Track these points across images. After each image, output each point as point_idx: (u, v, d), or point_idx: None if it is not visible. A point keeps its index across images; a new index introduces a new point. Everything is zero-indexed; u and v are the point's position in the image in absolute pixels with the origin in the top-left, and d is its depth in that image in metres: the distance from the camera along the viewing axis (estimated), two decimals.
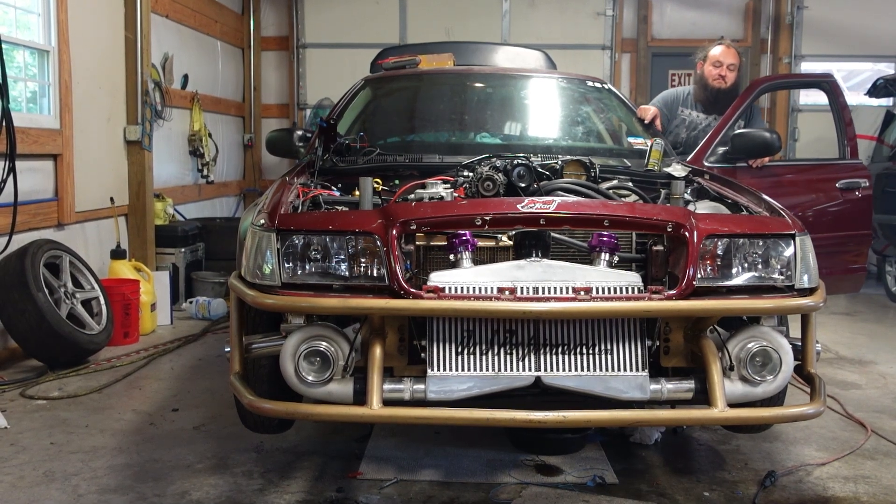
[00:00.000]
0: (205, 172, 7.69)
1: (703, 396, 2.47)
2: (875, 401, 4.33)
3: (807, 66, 9.22)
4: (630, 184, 3.44)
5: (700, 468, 3.29)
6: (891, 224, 7.20)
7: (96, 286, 5.02)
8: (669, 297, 2.41)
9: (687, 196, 3.45)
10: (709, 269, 2.51)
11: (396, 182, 3.46)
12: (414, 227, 2.48)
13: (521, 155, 3.41)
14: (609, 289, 2.46)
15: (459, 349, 2.44)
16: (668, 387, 2.50)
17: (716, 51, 4.96)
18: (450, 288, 2.45)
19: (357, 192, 3.40)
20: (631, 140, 4.08)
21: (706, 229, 2.50)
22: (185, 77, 7.36)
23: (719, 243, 2.53)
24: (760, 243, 2.57)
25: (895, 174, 7.31)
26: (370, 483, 3.09)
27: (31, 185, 4.89)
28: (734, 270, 2.54)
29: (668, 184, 3.57)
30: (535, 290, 2.45)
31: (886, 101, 8.39)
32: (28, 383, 4.33)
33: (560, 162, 3.34)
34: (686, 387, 2.50)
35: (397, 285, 2.40)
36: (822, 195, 4.49)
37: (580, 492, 3.02)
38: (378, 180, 3.30)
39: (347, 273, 2.49)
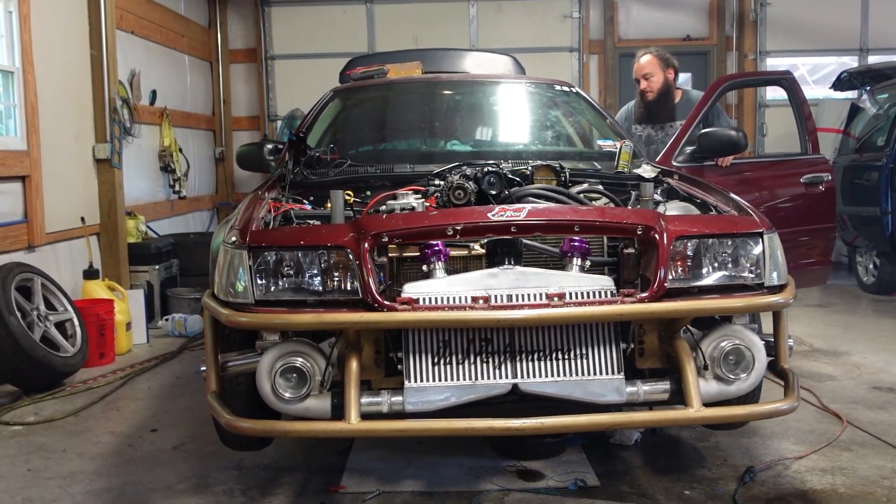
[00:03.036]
0: (177, 188, 7.65)
1: (678, 397, 2.50)
2: (850, 392, 4.39)
3: (772, 62, 9.33)
4: (600, 186, 3.46)
5: (680, 466, 3.32)
6: (860, 215, 7.30)
7: (69, 308, 4.97)
8: (642, 300, 2.43)
9: (657, 197, 3.49)
10: (680, 270, 2.54)
11: (368, 193, 3.46)
12: (386, 239, 2.48)
13: (492, 162, 3.43)
14: (582, 293, 2.48)
15: (436, 359, 2.45)
16: (644, 388, 2.52)
17: (636, 65, 5.10)
18: (424, 299, 2.46)
19: (329, 205, 3.43)
20: (600, 143, 4.11)
21: (676, 231, 2.53)
22: (154, 93, 7.32)
23: (689, 244, 2.56)
24: (729, 243, 2.60)
25: (862, 166, 7.41)
26: (353, 496, 3.08)
27: None
28: (705, 270, 2.57)
29: (639, 185, 3.62)
30: (509, 297, 2.47)
31: (851, 94, 8.51)
32: (2, 409, 4.28)
33: (530, 167, 3.35)
34: (662, 388, 2.53)
35: (371, 298, 2.40)
36: (786, 191, 4.56)
37: (562, 496, 3.03)
38: (349, 192, 3.29)
39: (321, 287, 2.49)
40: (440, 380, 2.44)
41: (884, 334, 5.80)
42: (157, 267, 6.41)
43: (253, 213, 2.88)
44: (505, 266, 2.53)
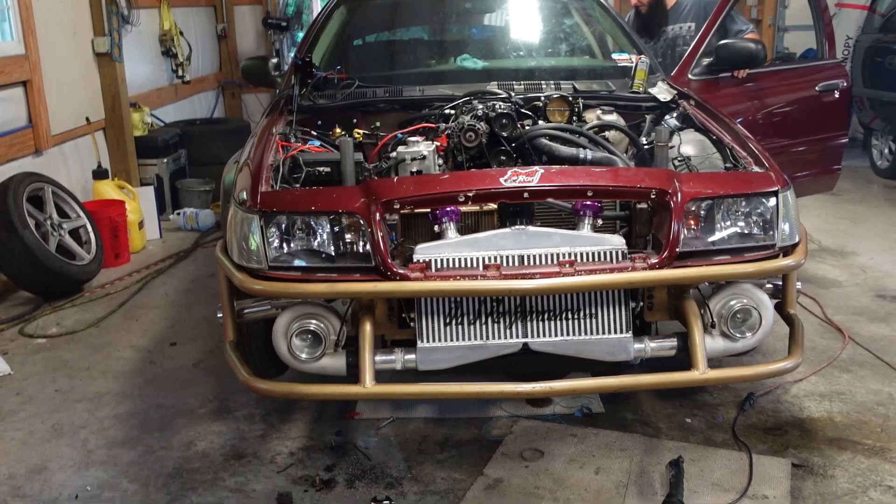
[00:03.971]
0: (180, 73, 7.48)
1: (685, 354, 2.55)
2: (854, 300, 4.46)
3: None
4: (615, 117, 3.40)
5: (682, 392, 3.41)
6: (879, 99, 7.14)
7: (82, 214, 5.01)
8: (653, 266, 2.44)
9: (671, 122, 3.43)
10: (692, 230, 2.53)
11: (377, 125, 3.42)
12: (397, 205, 2.47)
13: (503, 96, 3.35)
14: (593, 256, 2.49)
15: (448, 320, 2.49)
16: (651, 346, 2.57)
17: None
18: (435, 261, 2.48)
19: (338, 130, 3.39)
20: (615, 56, 3.98)
21: (690, 193, 2.50)
22: None
23: (703, 205, 2.54)
24: (744, 202, 2.58)
25: (884, 47, 7.18)
26: (367, 423, 3.22)
27: (2, 116, 4.78)
28: (717, 230, 2.56)
29: (655, 108, 3.55)
30: (520, 259, 2.48)
31: None
32: (25, 319, 4.40)
33: (543, 99, 3.28)
34: (669, 345, 2.58)
35: (384, 266, 2.42)
36: (800, 99, 4.45)
37: (568, 424, 3.16)
38: (359, 131, 3.25)
39: (333, 252, 2.50)
40: (452, 340, 2.49)
41: (894, 229, 5.81)
42: (165, 160, 6.39)
43: (262, 159, 2.85)
44: (516, 227, 2.53)
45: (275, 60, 4.07)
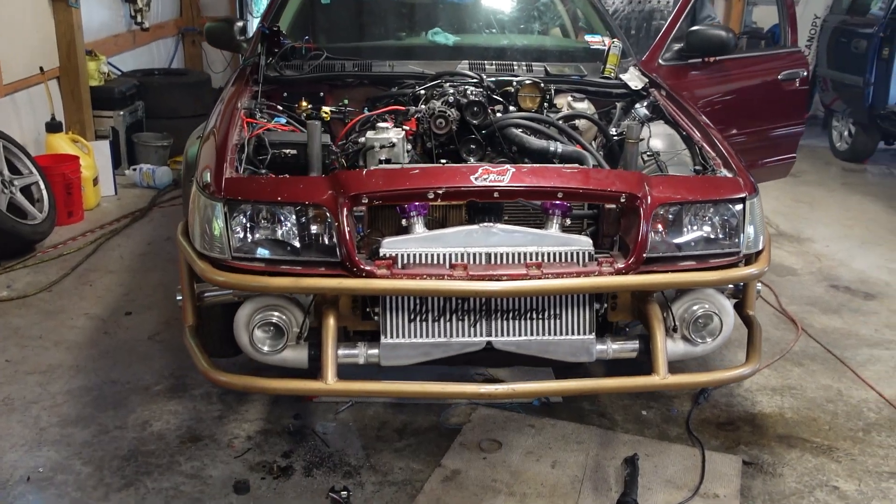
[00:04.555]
0: (139, 19, 7.23)
1: (646, 357, 2.57)
2: (808, 289, 4.54)
3: None
4: (586, 105, 3.38)
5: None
6: (842, 82, 7.20)
7: (34, 170, 4.85)
8: (619, 271, 2.44)
9: (643, 111, 3.42)
10: (659, 234, 2.53)
11: (346, 102, 3.34)
12: (366, 200, 2.43)
13: (474, 78, 3.30)
14: (561, 256, 2.48)
15: (412, 317, 2.47)
16: (613, 347, 2.59)
17: None
18: (402, 256, 2.45)
19: (305, 104, 3.32)
20: (588, 38, 3.94)
21: (659, 198, 2.50)
22: None
23: (671, 209, 2.54)
24: (712, 208, 2.58)
25: (849, 29, 7.22)
26: (326, 407, 3.20)
27: None
28: (684, 235, 2.57)
29: (625, 95, 3.53)
30: (488, 257, 2.47)
31: None
32: None
33: (516, 84, 3.24)
34: (630, 347, 2.60)
35: (350, 262, 2.38)
36: (763, 87, 4.49)
37: (526, 413, 3.18)
38: (327, 111, 3.18)
39: (298, 244, 2.46)
40: (416, 336, 2.48)
41: (849, 215, 5.92)
42: (121, 112, 6.20)
43: (227, 138, 2.77)
44: (484, 224, 2.51)
45: (240, 24, 3.95)
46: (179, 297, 2.71)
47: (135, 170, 6.08)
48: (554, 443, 2.99)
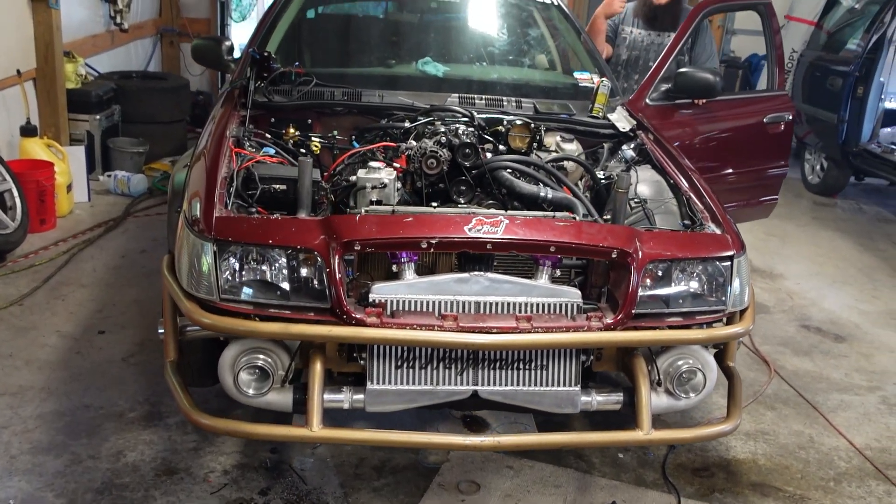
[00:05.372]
0: (118, 20, 7.12)
1: (630, 409, 2.59)
2: (781, 329, 4.61)
3: None
4: (575, 146, 3.40)
5: (616, 424, 3.45)
6: (816, 117, 7.31)
7: (8, 177, 4.75)
8: (608, 327, 2.46)
9: (629, 153, 3.45)
10: (647, 288, 2.55)
11: (335, 133, 3.32)
12: (358, 247, 2.41)
13: (465, 115, 3.31)
14: (550, 308, 2.49)
15: (399, 364, 2.47)
16: (598, 399, 2.61)
17: None
18: (391, 303, 2.44)
19: (292, 130, 3.30)
20: (577, 75, 3.96)
21: (650, 254, 2.52)
22: None
23: (660, 266, 2.56)
24: (700, 265, 2.61)
25: (824, 66, 7.33)
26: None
27: None
28: (671, 291, 2.59)
29: (613, 136, 3.56)
30: (477, 306, 2.48)
31: None
32: None
33: (506, 124, 3.25)
34: (615, 399, 2.62)
35: (339, 309, 2.37)
36: (748, 129, 4.54)
37: (505, 454, 3.18)
38: (317, 144, 3.16)
39: (288, 287, 2.44)
40: (402, 383, 2.47)
41: (820, 251, 6.02)
42: (97, 116, 6.09)
43: (216, 170, 2.74)
44: (474, 273, 2.51)
45: (228, 43, 3.90)
46: (161, 331, 2.67)
47: (109, 176, 5.99)
48: (532, 486, 3.00)
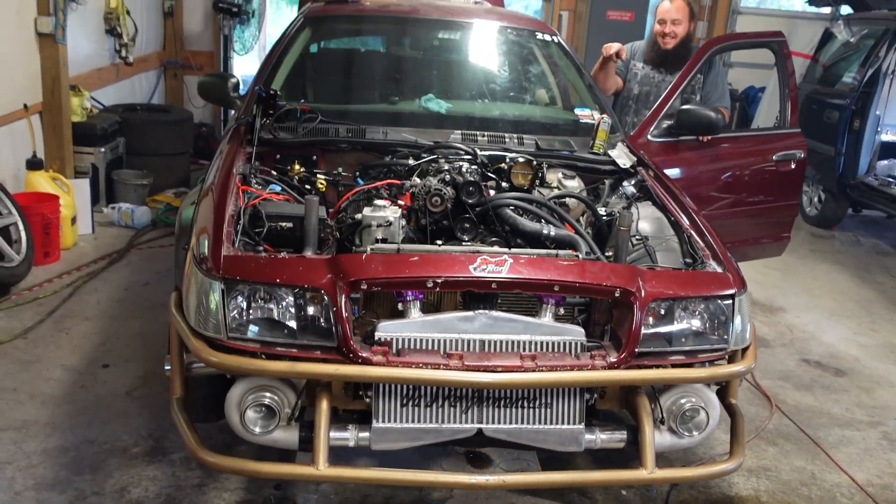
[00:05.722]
0: (123, 53, 7.20)
1: (633, 447, 2.61)
2: (781, 363, 4.63)
3: None
4: (576, 182, 3.44)
5: (619, 461, 3.46)
6: (813, 150, 7.35)
7: (14, 210, 4.79)
8: (611, 365, 2.48)
9: (630, 189, 3.48)
10: (649, 327, 2.58)
11: (340, 171, 3.37)
12: (364, 286, 2.44)
13: (468, 152, 3.35)
14: (554, 346, 2.52)
15: (404, 402, 2.49)
16: (601, 437, 2.62)
17: (661, 6, 4.77)
18: (397, 341, 2.47)
19: (297, 167, 3.35)
20: (578, 112, 4.01)
21: (652, 293, 2.55)
22: None
23: (663, 305, 2.59)
24: (702, 304, 2.64)
25: (821, 99, 7.42)
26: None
27: None
28: (674, 329, 2.62)
29: (614, 173, 3.60)
30: (482, 344, 2.50)
31: (825, 11, 8.38)
32: None
33: (509, 161, 3.29)
34: (618, 437, 2.63)
35: (346, 348, 2.39)
36: (757, 166, 4.54)
37: (507, 491, 3.18)
38: (322, 182, 3.20)
39: (295, 325, 2.46)
40: (407, 421, 2.49)
41: (818, 284, 6.05)
42: (102, 149, 6.14)
43: (224, 208, 2.77)
44: (479, 311, 2.54)
45: (234, 80, 3.95)
46: (168, 367, 2.69)
47: (113, 208, 6.03)
48: None
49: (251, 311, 2.48)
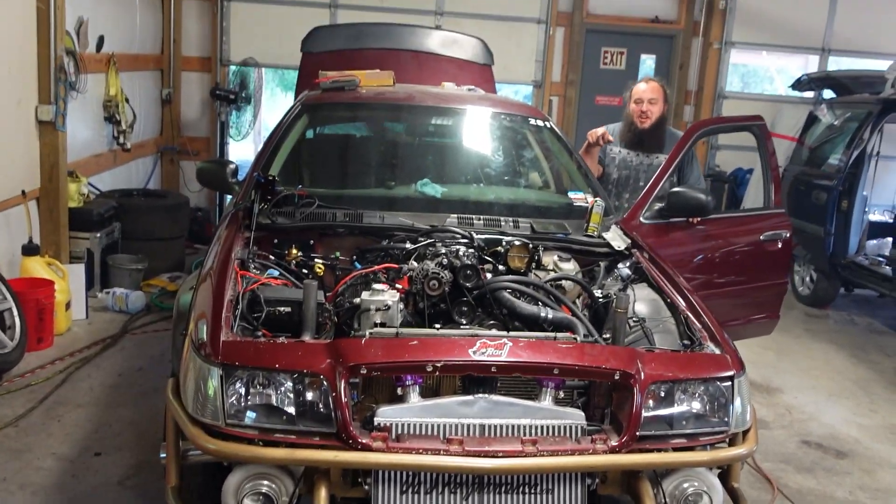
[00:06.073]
0: (121, 139, 7.31)
1: None
2: (781, 445, 4.58)
3: (737, 53, 9.34)
4: (572, 265, 3.46)
5: None
6: (803, 230, 7.46)
7: (8, 295, 4.78)
8: (613, 449, 2.46)
9: (625, 270, 3.51)
10: (651, 412, 2.57)
11: (337, 255, 3.40)
12: (364, 371, 2.44)
13: (465, 236, 3.38)
14: (554, 430, 2.50)
15: (404, 488, 2.45)
16: None
17: (637, 87, 4.94)
18: (397, 427, 2.45)
19: (295, 251, 3.37)
20: (572, 195, 4.07)
21: (652, 375, 2.55)
22: (101, 38, 6.88)
23: (663, 387, 2.59)
24: (702, 387, 2.64)
25: (808, 180, 7.55)
26: None
27: None
28: (674, 412, 2.61)
29: (609, 255, 3.63)
30: (482, 429, 2.48)
31: (808, 95, 8.59)
32: None
33: (505, 245, 3.32)
34: None
35: (346, 435, 2.37)
36: (745, 246, 4.62)
37: None
38: (320, 266, 3.22)
39: (294, 412, 2.44)
40: None
41: (815, 365, 6.04)
42: (98, 235, 6.17)
43: (222, 294, 2.78)
44: (479, 395, 2.53)
45: (233, 166, 4.01)
46: (163, 455, 2.65)
47: (108, 293, 6.02)
48: None
49: (250, 397, 2.46)
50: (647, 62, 9.36)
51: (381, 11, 8.44)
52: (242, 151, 8.87)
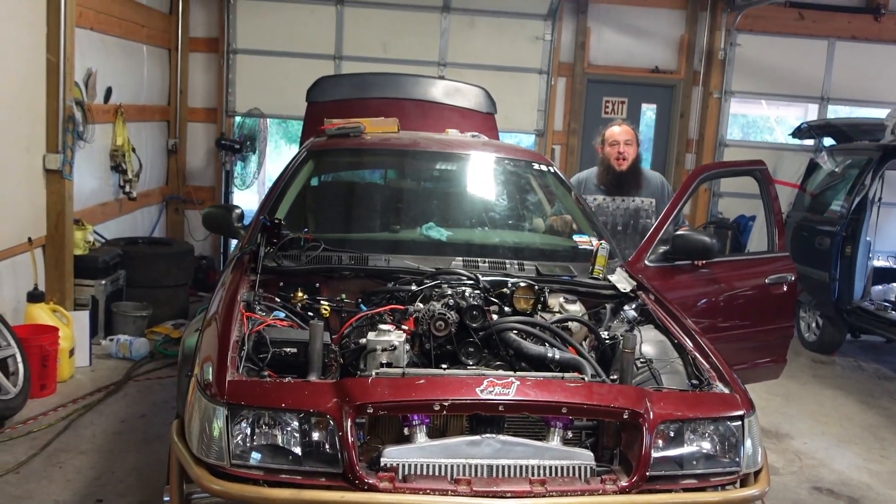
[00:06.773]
0: (127, 188, 7.37)
1: None
2: (793, 492, 4.51)
3: (736, 103, 9.44)
4: (578, 307, 3.46)
5: None
6: (808, 276, 7.46)
7: (12, 342, 4.77)
8: (622, 490, 2.43)
9: (631, 312, 3.50)
10: (660, 452, 2.54)
11: (343, 297, 3.39)
12: (371, 410, 2.42)
13: (470, 277, 3.38)
14: (563, 470, 2.47)
15: None
16: None
17: (611, 131, 5.02)
18: (404, 467, 2.42)
19: (300, 294, 3.36)
20: (576, 238, 4.08)
21: (661, 415, 2.52)
22: (109, 90, 6.99)
23: (672, 427, 2.56)
24: (711, 426, 2.61)
25: (811, 226, 7.57)
26: None
27: None
28: (684, 452, 2.58)
29: (614, 297, 3.62)
30: (490, 470, 2.45)
31: (808, 143, 8.66)
32: None
33: (511, 286, 3.32)
34: None
35: (352, 474, 2.34)
36: (750, 290, 4.61)
37: None
38: (326, 308, 3.22)
39: (300, 452, 2.42)
40: None
41: (823, 410, 5.98)
42: (103, 282, 6.18)
43: (228, 335, 2.77)
44: (486, 435, 2.50)
45: (239, 211, 4.04)
46: (167, 499, 2.62)
47: (111, 340, 6.01)
48: None
49: (255, 437, 2.44)
50: (648, 112, 9.47)
51: (384, 63, 8.57)
52: (246, 201, 8.93)
